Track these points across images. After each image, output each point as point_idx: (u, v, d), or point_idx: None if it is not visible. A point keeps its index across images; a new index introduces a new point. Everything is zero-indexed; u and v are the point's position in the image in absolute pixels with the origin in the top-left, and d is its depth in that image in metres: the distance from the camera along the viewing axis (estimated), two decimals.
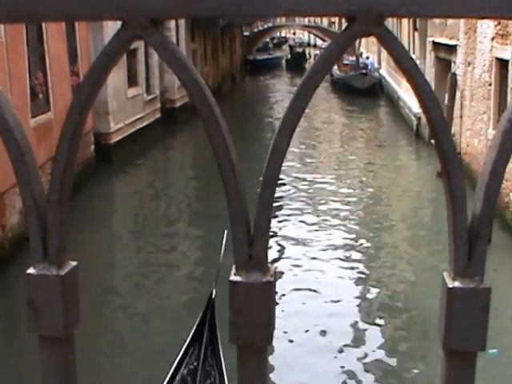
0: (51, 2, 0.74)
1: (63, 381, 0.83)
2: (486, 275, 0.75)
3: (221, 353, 6.87)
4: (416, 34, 27.75)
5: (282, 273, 11.82)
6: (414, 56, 23.61)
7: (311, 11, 0.73)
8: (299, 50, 62.82)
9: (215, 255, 8.18)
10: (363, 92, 36.48)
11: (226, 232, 5.89)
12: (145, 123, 23.53)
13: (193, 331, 7.13)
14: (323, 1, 0.71)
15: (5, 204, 12.60)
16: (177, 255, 13.32)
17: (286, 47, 70.82)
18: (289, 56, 61.67)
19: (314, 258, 13.00)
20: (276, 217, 14.75)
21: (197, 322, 7.16)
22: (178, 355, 6.89)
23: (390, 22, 28.49)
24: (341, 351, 9.45)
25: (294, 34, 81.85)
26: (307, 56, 60.70)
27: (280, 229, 14.47)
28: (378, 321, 10.54)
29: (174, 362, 6.84)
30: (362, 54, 44.20)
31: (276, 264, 11.65)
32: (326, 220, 15.51)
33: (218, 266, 7.07)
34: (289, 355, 9.13)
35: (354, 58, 41.62)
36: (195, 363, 6.77)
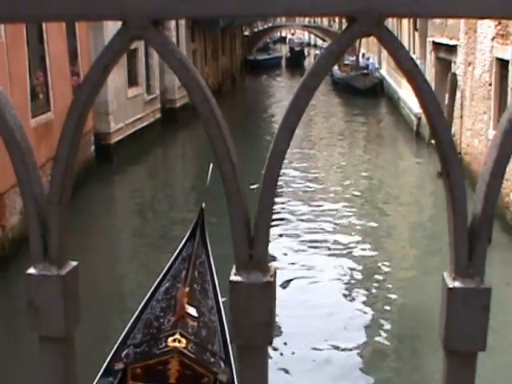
0: (51, 2, 0.74)
1: (63, 381, 0.83)
2: (494, 279, 0.75)
3: (209, 247, 8.48)
4: (416, 34, 27.76)
5: (280, 271, 11.82)
6: (414, 56, 23.60)
7: (311, 11, 0.73)
8: (298, 48, 65.04)
9: (216, 255, 8.57)
10: (364, 92, 36.50)
11: (211, 165, 7.44)
12: (145, 123, 23.55)
13: (188, 234, 8.59)
14: (323, 1, 0.71)
15: (5, 204, 12.61)
16: None
17: (285, 47, 71.19)
18: (288, 54, 64.52)
19: (312, 258, 13.00)
20: (275, 218, 14.75)
21: (190, 229, 8.64)
22: (175, 250, 8.40)
23: (390, 22, 28.51)
24: (341, 352, 9.46)
25: (293, 34, 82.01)
26: (305, 54, 65.41)
27: (278, 228, 14.48)
28: (379, 321, 10.55)
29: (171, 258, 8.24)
30: (362, 54, 44.22)
31: (273, 263, 11.65)
32: (325, 220, 15.51)
33: (206, 181, 9.03)
34: (287, 355, 9.14)
35: (354, 58, 41.63)
36: (190, 250, 8.17)
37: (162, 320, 6.95)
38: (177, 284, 7.45)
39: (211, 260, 8.34)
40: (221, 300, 7.70)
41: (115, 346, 6.93)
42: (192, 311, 6.93)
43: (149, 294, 7.64)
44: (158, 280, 7.90)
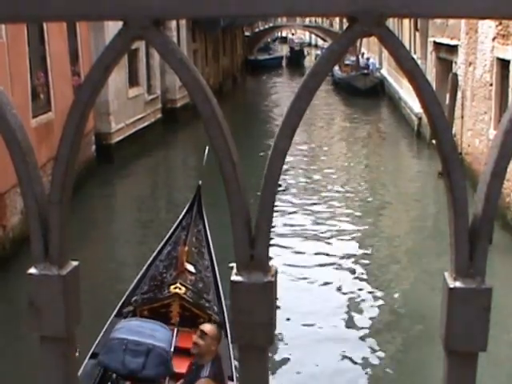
0: (52, 2, 0.74)
1: (64, 381, 0.83)
2: (495, 280, 0.75)
3: (205, 218, 9.71)
4: (417, 34, 27.75)
5: (280, 272, 11.82)
6: (415, 56, 23.59)
7: (312, 11, 0.73)
8: (297, 48, 66.71)
9: (218, 256, 8.99)
10: (365, 92, 36.50)
11: (207, 147, 8.12)
12: (146, 123, 23.54)
13: (187, 207, 9.89)
14: (324, 1, 0.71)
15: (6, 204, 12.61)
16: None
17: (285, 47, 71.44)
18: (289, 54, 65.98)
19: (313, 258, 12.99)
20: (275, 217, 14.75)
21: (189, 202, 9.99)
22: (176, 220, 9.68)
23: (391, 22, 28.50)
24: (341, 351, 9.46)
25: (293, 34, 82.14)
26: (305, 53, 67.27)
27: (279, 228, 14.48)
28: (379, 321, 10.55)
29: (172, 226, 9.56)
30: (363, 54, 44.21)
31: (274, 262, 11.63)
32: (326, 220, 15.51)
33: (203, 160, 10.17)
34: (288, 356, 9.14)
35: (355, 58, 41.61)
36: (188, 220, 9.43)
37: (164, 275, 8.04)
38: (177, 247, 8.41)
39: (207, 229, 9.52)
40: (215, 262, 8.79)
41: (124, 296, 8.03)
42: (190, 268, 8.07)
43: (153, 256, 8.82)
44: (160, 245, 9.09)
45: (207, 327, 5.96)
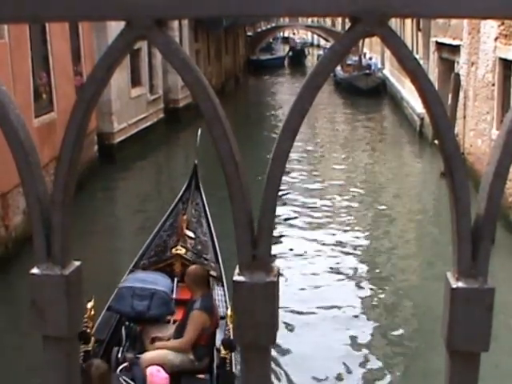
0: (54, 3, 0.74)
1: (66, 381, 0.83)
2: (497, 280, 0.75)
3: (202, 193, 10.93)
4: (419, 34, 27.73)
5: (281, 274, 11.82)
6: (417, 56, 23.57)
7: (314, 11, 0.73)
8: (299, 47, 68.71)
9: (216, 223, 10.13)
10: (367, 92, 36.48)
11: (200, 129, 11.48)
12: (148, 123, 23.55)
13: (185, 184, 11.13)
14: (326, 1, 0.71)
15: (8, 204, 12.63)
16: None
17: (288, 47, 71.63)
18: (290, 53, 66.88)
19: (313, 259, 12.99)
20: (278, 216, 14.76)
21: (187, 180, 11.22)
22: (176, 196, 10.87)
23: (394, 22, 28.48)
24: (342, 351, 9.46)
25: (294, 34, 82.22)
26: (306, 53, 69.66)
27: (281, 228, 14.48)
28: (379, 320, 10.55)
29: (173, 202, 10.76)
30: (365, 54, 44.18)
31: (276, 262, 11.64)
32: (325, 219, 15.51)
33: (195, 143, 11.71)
34: (291, 355, 9.14)
35: (357, 58, 41.59)
36: (187, 196, 10.73)
37: (167, 242, 9.18)
38: (178, 219, 9.40)
39: (204, 201, 10.71)
40: (213, 230, 9.90)
41: (134, 261, 9.03)
42: (190, 233, 9.21)
43: (157, 228, 9.90)
44: (164, 217, 10.21)
45: (190, 268, 7.38)
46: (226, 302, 8.06)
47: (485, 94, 16.87)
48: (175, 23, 25.68)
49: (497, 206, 0.75)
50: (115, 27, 17.24)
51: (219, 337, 7.04)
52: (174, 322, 7.51)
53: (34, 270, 0.80)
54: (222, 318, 7.28)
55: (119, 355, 7.08)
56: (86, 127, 0.79)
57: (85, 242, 12.48)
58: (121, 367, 6.72)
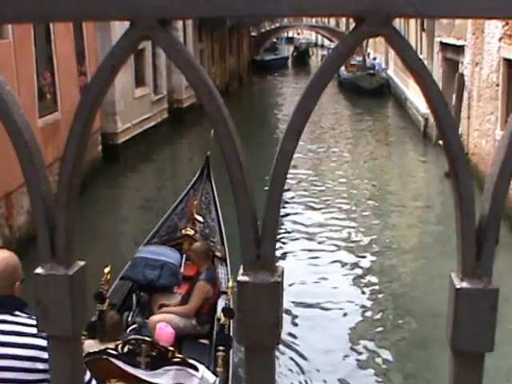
0: (59, 2, 0.74)
1: (70, 380, 0.83)
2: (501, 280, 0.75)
3: (213, 183, 11.32)
4: (423, 34, 27.71)
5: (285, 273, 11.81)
6: (421, 56, 23.56)
7: (319, 11, 0.73)
8: (303, 47, 69.10)
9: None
10: (371, 92, 36.45)
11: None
12: (152, 123, 23.55)
13: (198, 174, 11.64)
14: (331, 1, 0.71)
15: (12, 204, 12.64)
16: None
17: (292, 47, 71.75)
18: (295, 53, 68.12)
19: (318, 258, 12.98)
20: (282, 216, 14.75)
21: (199, 170, 11.75)
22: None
23: (398, 23, 28.45)
24: (344, 352, 9.46)
25: (299, 34, 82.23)
26: (310, 52, 70.53)
27: (283, 228, 14.48)
28: (381, 320, 10.54)
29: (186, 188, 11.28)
30: (369, 54, 44.14)
31: (280, 262, 11.64)
32: (330, 219, 15.50)
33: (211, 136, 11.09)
34: (292, 357, 9.14)
35: (361, 59, 41.56)
36: (199, 185, 11.20)
37: (178, 224, 9.80)
38: (189, 204, 9.99)
39: (215, 191, 11.16)
40: (221, 217, 10.34)
41: (145, 240, 9.57)
42: (199, 218, 9.80)
43: (169, 211, 10.50)
44: (176, 203, 10.73)
45: (194, 244, 8.10)
46: (228, 279, 8.44)
47: (489, 95, 16.85)
48: (179, 23, 25.67)
49: (501, 207, 0.75)
50: (119, 27, 17.26)
51: (220, 308, 7.50)
52: (180, 294, 8.08)
53: (39, 270, 0.80)
54: (224, 292, 7.73)
55: (129, 319, 7.71)
56: (91, 127, 0.79)
57: (89, 242, 12.48)
58: (130, 328, 7.29)
